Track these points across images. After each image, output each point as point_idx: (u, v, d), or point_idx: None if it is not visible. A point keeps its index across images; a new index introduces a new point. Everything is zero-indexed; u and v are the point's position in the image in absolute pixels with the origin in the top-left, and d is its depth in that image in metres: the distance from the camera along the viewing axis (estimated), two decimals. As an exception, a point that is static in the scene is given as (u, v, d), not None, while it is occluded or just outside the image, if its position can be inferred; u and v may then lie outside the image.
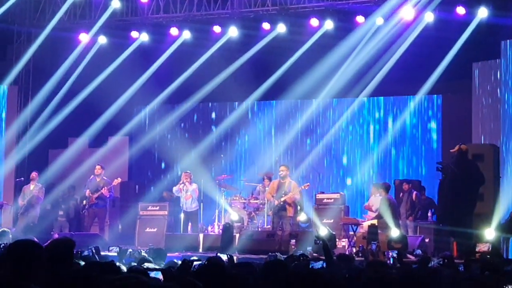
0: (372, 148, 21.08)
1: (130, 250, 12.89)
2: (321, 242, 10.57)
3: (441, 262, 10.35)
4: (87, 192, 18.16)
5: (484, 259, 10.89)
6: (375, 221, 15.87)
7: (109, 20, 20.12)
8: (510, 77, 18.12)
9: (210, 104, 22.58)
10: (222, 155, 21.47)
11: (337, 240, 15.91)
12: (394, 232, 15.06)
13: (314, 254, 12.84)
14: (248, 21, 19.59)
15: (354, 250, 15.47)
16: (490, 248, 13.63)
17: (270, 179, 18.14)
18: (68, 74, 20.58)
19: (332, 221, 17.30)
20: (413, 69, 19.07)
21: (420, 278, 5.11)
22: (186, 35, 20.24)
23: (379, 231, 15.20)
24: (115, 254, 12.68)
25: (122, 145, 21.88)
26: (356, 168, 21.01)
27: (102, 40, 20.74)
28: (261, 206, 18.23)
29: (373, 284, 4.84)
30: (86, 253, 10.86)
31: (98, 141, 21.63)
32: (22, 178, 19.48)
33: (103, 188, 18.02)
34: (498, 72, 18.45)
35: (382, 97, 21.08)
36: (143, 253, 11.47)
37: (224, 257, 10.01)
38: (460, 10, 17.75)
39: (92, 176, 18.44)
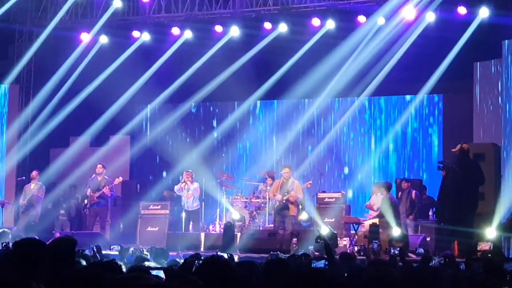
0: (374, 148, 21.08)
1: (132, 249, 12.91)
2: (322, 240, 10.58)
3: (442, 261, 10.37)
4: (89, 191, 18.16)
5: (485, 258, 10.89)
6: (376, 220, 15.89)
7: (110, 19, 20.13)
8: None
9: (211, 104, 22.59)
10: (223, 154, 21.48)
11: (338, 239, 15.91)
12: (396, 231, 15.07)
13: (316, 253, 12.86)
14: (250, 20, 19.59)
15: (355, 249, 15.48)
16: (492, 247, 13.64)
17: (272, 178, 18.15)
18: (69, 74, 20.59)
19: (333, 220, 17.32)
20: (414, 68, 19.08)
21: (422, 277, 5.12)
22: (188, 34, 20.24)
23: (380, 230, 15.22)
24: (117, 253, 12.69)
25: (124, 144, 21.89)
26: (357, 167, 21.00)
27: (104, 39, 20.75)
28: (262, 205, 18.25)
29: (374, 283, 4.85)
30: (87, 252, 10.89)
31: (99, 140, 21.65)
32: (24, 177, 19.51)
33: (105, 187, 18.03)
34: (500, 72, 18.45)
35: (383, 97, 21.09)
36: (146, 252, 11.49)
37: (224, 256, 10.02)
38: (461, 10, 17.75)
39: (93, 175, 18.45)
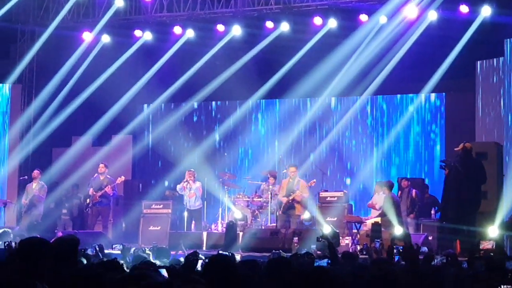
0: (376, 146, 21.07)
1: (133, 248, 12.91)
2: (325, 240, 10.57)
3: (445, 260, 10.36)
4: (91, 191, 18.17)
5: (488, 256, 10.88)
6: (378, 219, 15.90)
7: (112, 18, 20.14)
8: (514, 76, 18.12)
9: (213, 103, 22.60)
10: (225, 154, 21.49)
11: (340, 238, 15.91)
12: (398, 230, 15.07)
13: (318, 252, 12.85)
14: (252, 19, 19.60)
15: (358, 248, 15.48)
16: (494, 246, 13.63)
17: (274, 177, 18.17)
18: (71, 73, 20.60)
19: (335, 219, 17.32)
20: (417, 67, 19.07)
21: (424, 276, 5.13)
22: (190, 33, 20.26)
23: (382, 229, 15.21)
24: (119, 252, 12.69)
25: (126, 143, 21.91)
26: (359, 166, 21.00)
27: (106, 38, 20.76)
28: (264, 204, 18.27)
29: (377, 282, 4.86)
30: (89, 251, 10.90)
31: (101, 139, 21.67)
32: (26, 177, 19.52)
33: (107, 187, 18.03)
34: (502, 70, 18.44)
35: (385, 96, 21.07)
36: (148, 251, 11.49)
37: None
38: (464, 9, 17.74)
39: (95, 174, 18.46)
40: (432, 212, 17.64)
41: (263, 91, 20.68)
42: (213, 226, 18.73)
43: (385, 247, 13.85)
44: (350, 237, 16.47)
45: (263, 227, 17.71)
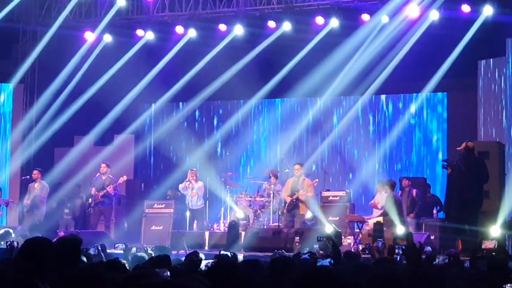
0: (378, 146, 21.07)
1: (134, 248, 12.91)
2: (329, 240, 10.57)
3: (447, 260, 10.36)
4: (93, 190, 18.18)
5: (490, 256, 10.89)
6: (380, 219, 15.89)
7: (114, 18, 20.14)
8: (516, 75, 18.11)
9: (215, 103, 22.59)
10: (227, 153, 21.50)
11: (342, 237, 15.91)
12: (400, 230, 15.06)
13: (321, 252, 12.85)
14: (254, 19, 19.60)
15: (360, 247, 15.48)
16: (496, 245, 13.63)
17: (276, 177, 18.18)
18: (73, 73, 20.60)
19: (337, 218, 17.31)
20: (418, 67, 19.07)
21: (426, 275, 5.12)
22: (192, 33, 20.26)
23: (384, 228, 15.21)
24: (121, 251, 12.70)
25: (128, 143, 21.92)
26: (361, 166, 20.99)
27: (108, 38, 20.77)
28: (266, 203, 18.28)
29: (379, 281, 4.86)
30: (92, 251, 10.90)
31: (103, 139, 21.67)
32: (28, 176, 19.50)
33: (109, 186, 18.04)
34: (504, 70, 18.42)
35: (387, 95, 21.07)
36: (150, 251, 11.49)
37: (228, 255, 10.02)
38: (465, 8, 17.74)
39: (97, 174, 18.46)
40: (434, 211, 17.63)
41: (265, 91, 20.67)
42: (215, 226, 18.74)
43: (387, 246, 13.86)
44: (352, 237, 16.46)
45: (265, 227, 17.72)
